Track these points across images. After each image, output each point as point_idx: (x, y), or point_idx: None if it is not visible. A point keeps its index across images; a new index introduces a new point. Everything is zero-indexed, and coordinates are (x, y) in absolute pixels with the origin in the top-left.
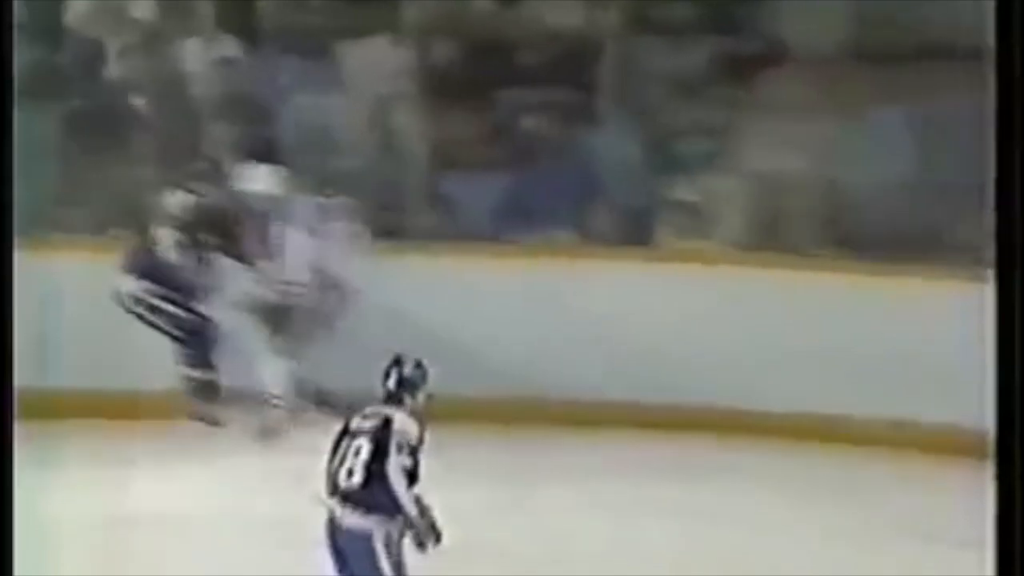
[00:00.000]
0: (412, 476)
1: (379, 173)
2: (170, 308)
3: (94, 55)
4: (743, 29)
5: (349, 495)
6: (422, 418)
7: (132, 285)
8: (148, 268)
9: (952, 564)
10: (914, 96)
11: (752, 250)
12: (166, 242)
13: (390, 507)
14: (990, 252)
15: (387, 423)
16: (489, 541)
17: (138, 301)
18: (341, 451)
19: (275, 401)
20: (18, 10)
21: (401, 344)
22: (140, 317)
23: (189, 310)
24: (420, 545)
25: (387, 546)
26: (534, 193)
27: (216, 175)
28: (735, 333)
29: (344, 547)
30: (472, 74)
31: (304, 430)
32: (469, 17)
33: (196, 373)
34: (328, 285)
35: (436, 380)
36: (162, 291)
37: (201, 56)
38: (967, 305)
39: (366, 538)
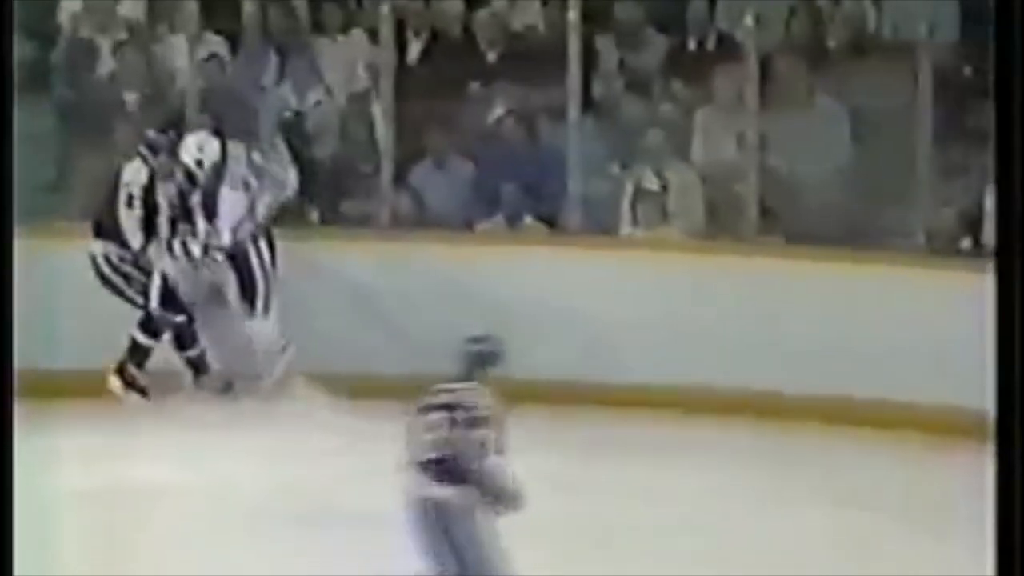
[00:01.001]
0: (485, 448)
1: (353, 162)
2: (130, 270)
3: (86, 53)
4: (694, 28)
5: (428, 468)
6: (494, 394)
7: (97, 247)
8: (109, 230)
9: (953, 543)
10: (852, 90)
11: (710, 238)
12: (123, 208)
13: (467, 478)
14: (921, 237)
15: (459, 398)
16: None
17: (104, 261)
18: (419, 426)
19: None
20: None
21: (367, 326)
22: (104, 279)
23: (146, 274)
24: (499, 512)
25: (466, 514)
26: (501, 183)
27: (166, 144)
28: (704, 318)
29: (425, 517)
30: (442, 70)
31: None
32: (439, 17)
33: (144, 338)
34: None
35: (381, 360)
36: (122, 252)
37: (187, 53)
38: (923, 288)
39: (445, 508)
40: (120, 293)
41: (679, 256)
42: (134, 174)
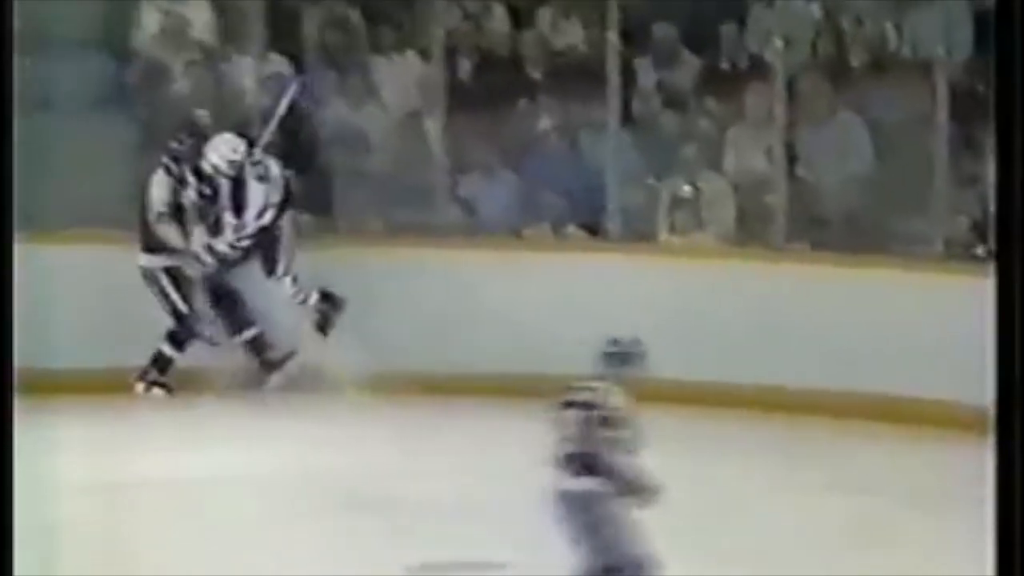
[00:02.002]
0: (619, 444)
1: (407, 174)
2: (169, 288)
3: (160, 72)
4: (726, 49)
5: (567, 461)
6: (631, 392)
7: (142, 260)
8: (154, 244)
9: (954, 528)
10: (873, 105)
11: (741, 244)
12: (158, 218)
13: (603, 472)
14: (938, 244)
15: (598, 397)
16: None
17: (147, 275)
18: (560, 421)
19: (299, 298)
20: (91, 32)
21: (420, 327)
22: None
23: (184, 298)
24: (637, 505)
25: (601, 506)
26: (545, 193)
27: (188, 154)
28: (734, 319)
29: (566, 509)
30: (490, 87)
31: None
32: (488, 37)
33: (170, 350)
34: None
35: (447, 359)
36: (167, 264)
37: (253, 72)
38: (940, 292)
39: (583, 500)
40: (174, 304)
41: (712, 261)
42: (160, 184)
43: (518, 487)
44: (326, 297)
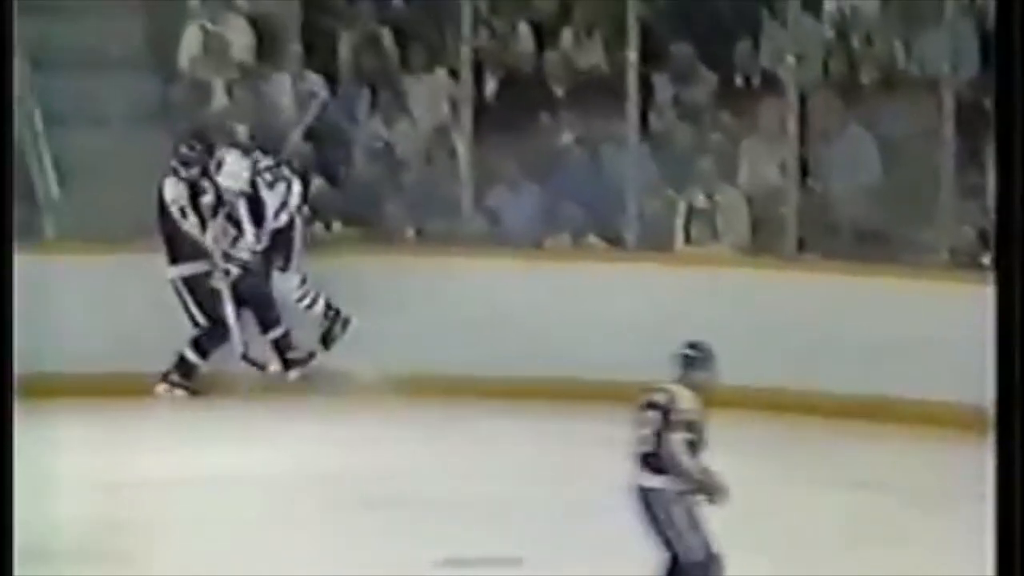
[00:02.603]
0: (694, 444)
1: (436, 187)
2: (194, 309)
3: (202, 90)
4: (741, 66)
5: (644, 460)
6: (702, 395)
7: (170, 272)
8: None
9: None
10: (882, 121)
11: (755, 253)
12: (181, 221)
13: (674, 470)
14: (945, 253)
15: (672, 399)
16: None
17: (174, 287)
18: (638, 421)
19: (304, 302)
20: (139, 53)
21: (445, 331)
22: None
23: (207, 312)
24: (710, 502)
25: (678, 502)
26: (567, 204)
27: (196, 159)
28: (748, 325)
29: (645, 505)
30: (515, 104)
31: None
32: (513, 57)
33: (193, 356)
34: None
35: (477, 361)
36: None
37: (290, 90)
38: (947, 299)
39: (659, 496)
40: (194, 315)
41: (727, 270)
42: (174, 189)
43: (538, 486)
44: (332, 309)
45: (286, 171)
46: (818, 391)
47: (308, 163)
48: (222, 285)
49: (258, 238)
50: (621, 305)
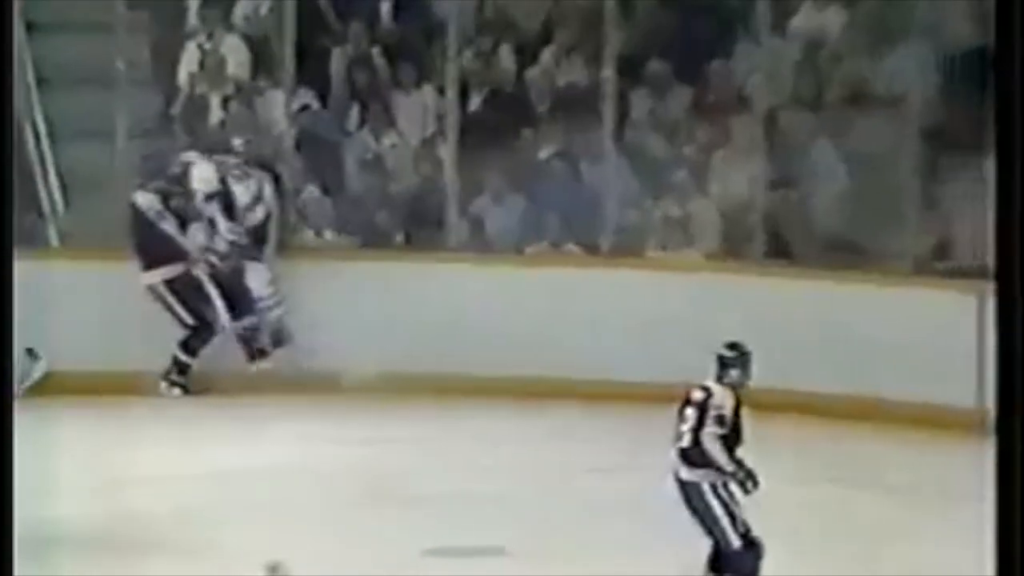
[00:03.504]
0: (727, 439)
1: (423, 196)
2: (181, 310)
3: (201, 105)
4: (714, 83)
5: (683, 454)
6: (738, 392)
7: (144, 279)
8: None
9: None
10: (848, 136)
11: (724, 260)
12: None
13: (709, 462)
14: (909, 260)
15: (708, 396)
16: None
17: (152, 291)
18: (680, 418)
19: (267, 303)
20: (140, 70)
21: (431, 332)
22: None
23: (192, 311)
24: (744, 491)
25: (715, 491)
26: (547, 214)
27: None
28: (717, 328)
29: (685, 497)
30: (498, 119)
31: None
32: (497, 74)
33: (183, 356)
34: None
35: (463, 360)
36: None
37: (284, 105)
38: (909, 303)
39: (696, 488)
40: (180, 316)
41: (697, 275)
42: (145, 198)
43: (526, 481)
44: (281, 324)
45: (255, 170)
46: (786, 389)
47: (301, 173)
48: (204, 277)
49: (233, 230)
50: (597, 308)
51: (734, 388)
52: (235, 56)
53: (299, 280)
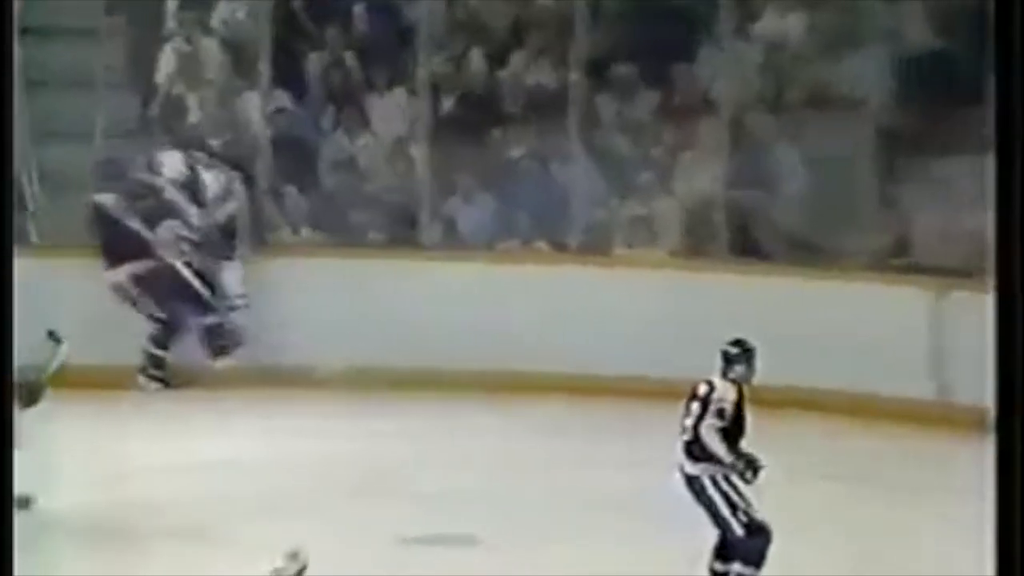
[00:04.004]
0: (727, 431)
1: (397, 196)
2: (149, 304)
3: (178, 106)
4: (678, 86)
5: (687, 448)
6: (741, 386)
7: (108, 276)
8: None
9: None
10: (808, 137)
11: (688, 257)
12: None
13: (708, 455)
14: (866, 256)
15: (710, 391)
16: None
17: (117, 289)
18: (688, 411)
19: (238, 302)
20: (120, 73)
21: (403, 330)
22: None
23: (161, 306)
24: (745, 481)
25: (715, 484)
26: (517, 212)
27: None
28: (680, 323)
29: (691, 490)
30: (469, 119)
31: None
32: (467, 77)
33: (155, 350)
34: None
35: (434, 354)
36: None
37: (260, 106)
38: (868, 298)
39: (698, 481)
40: (146, 307)
41: (662, 272)
42: (108, 198)
43: (492, 473)
44: (239, 324)
45: (227, 168)
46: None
47: (277, 173)
48: (177, 269)
49: (201, 216)
50: (565, 303)
51: (738, 383)
52: (213, 58)
53: (277, 276)
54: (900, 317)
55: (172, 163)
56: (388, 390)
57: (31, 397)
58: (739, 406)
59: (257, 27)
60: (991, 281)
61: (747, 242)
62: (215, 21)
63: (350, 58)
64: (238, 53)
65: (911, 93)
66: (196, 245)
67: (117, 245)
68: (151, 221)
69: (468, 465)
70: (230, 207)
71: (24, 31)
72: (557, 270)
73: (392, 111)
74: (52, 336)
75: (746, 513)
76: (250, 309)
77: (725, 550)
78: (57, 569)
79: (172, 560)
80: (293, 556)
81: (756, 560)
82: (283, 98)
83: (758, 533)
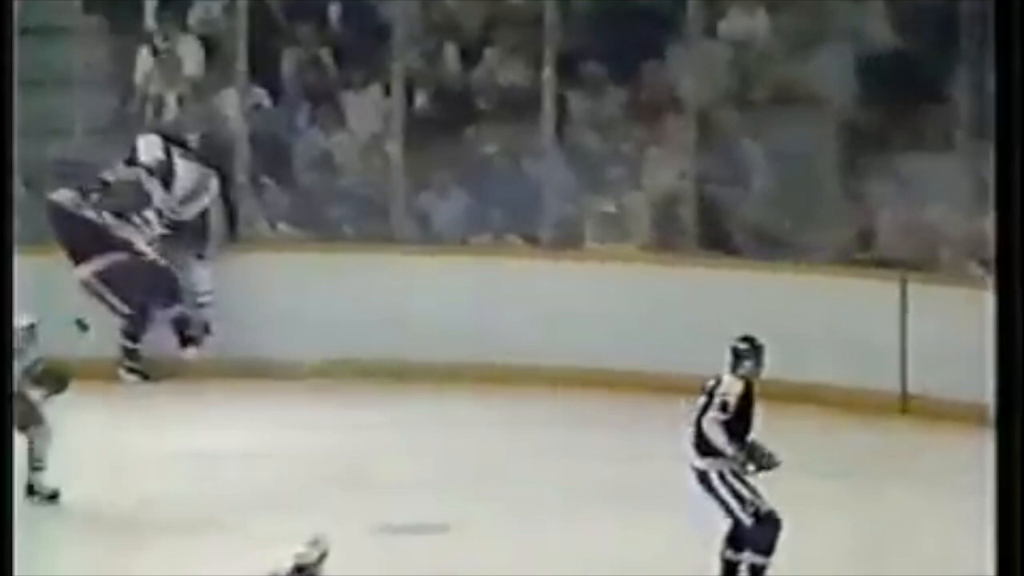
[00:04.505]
0: (730, 424)
1: (371, 191)
2: (114, 299)
3: (156, 104)
4: (647, 83)
5: (695, 443)
6: (750, 382)
7: (76, 273)
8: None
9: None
10: (773, 133)
11: (656, 251)
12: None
13: (711, 448)
14: (830, 251)
15: (716, 386)
16: None
17: (86, 285)
18: (694, 408)
19: (205, 299)
20: (98, 71)
21: (378, 323)
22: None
23: (126, 300)
24: (754, 472)
25: (722, 478)
26: (490, 207)
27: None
28: (648, 316)
29: (701, 484)
30: (443, 117)
31: None
32: (441, 74)
33: (129, 343)
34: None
35: (408, 347)
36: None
37: (237, 103)
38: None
39: (705, 476)
40: (114, 306)
41: (631, 266)
42: (65, 194)
43: (464, 462)
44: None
45: (203, 165)
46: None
47: (254, 168)
48: (145, 257)
49: (167, 201)
50: (537, 296)
51: (747, 379)
52: (190, 56)
53: (254, 270)
54: (867, 310)
55: (149, 147)
56: (364, 382)
57: (59, 384)
58: (747, 401)
59: (234, 25)
60: (959, 275)
61: (716, 236)
62: (192, 19)
63: (326, 55)
64: (215, 51)
65: (874, 91)
66: (164, 238)
67: (79, 242)
68: (119, 214)
69: (434, 454)
70: (202, 203)
71: None
72: (529, 264)
73: (367, 108)
74: (80, 324)
75: (753, 504)
76: (228, 303)
77: (736, 539)
78: (56, 558)
79: (161, 551)
80: (314, 543)
81: (766, 549)
82: (260, 95)
83: (768, 522)
